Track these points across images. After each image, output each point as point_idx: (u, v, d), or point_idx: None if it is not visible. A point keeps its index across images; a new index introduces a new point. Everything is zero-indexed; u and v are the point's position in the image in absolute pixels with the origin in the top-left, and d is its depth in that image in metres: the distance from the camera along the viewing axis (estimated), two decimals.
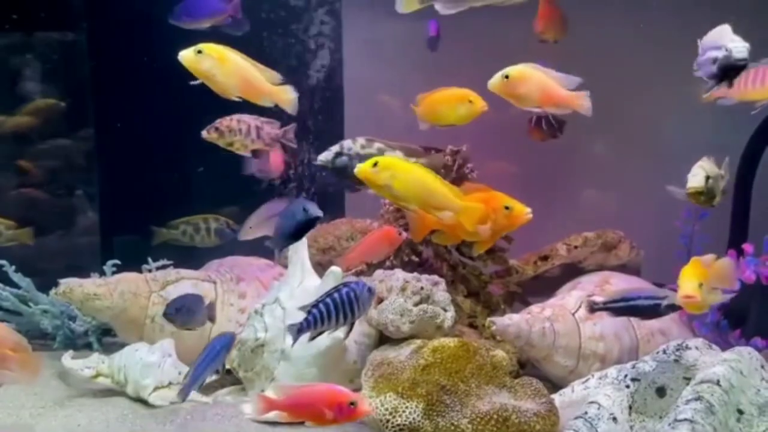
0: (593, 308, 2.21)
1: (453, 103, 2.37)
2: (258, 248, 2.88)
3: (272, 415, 2.18)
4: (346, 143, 2.44)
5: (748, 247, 2.46)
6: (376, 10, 3.26)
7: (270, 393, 2.27)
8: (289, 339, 2.24)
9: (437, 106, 2.40)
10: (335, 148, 2.44)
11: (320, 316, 1.97)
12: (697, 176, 2.18)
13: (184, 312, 2.31)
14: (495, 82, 2.25)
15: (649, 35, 3.11)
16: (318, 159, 2.45)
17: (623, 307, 2.18)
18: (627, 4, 3.11)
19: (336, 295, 1.96)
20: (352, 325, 2.06)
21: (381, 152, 2.41)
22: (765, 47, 2.15)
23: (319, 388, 1.81)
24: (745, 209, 2.96)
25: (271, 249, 2.91)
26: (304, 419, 1.84)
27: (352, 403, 1.71)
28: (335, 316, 1.97)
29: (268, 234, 2.66)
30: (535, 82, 2.25)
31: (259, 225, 2.69)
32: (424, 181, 2.10)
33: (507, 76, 2.24)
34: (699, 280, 1.91)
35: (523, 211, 2.16)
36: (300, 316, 1.98)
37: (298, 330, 1.99)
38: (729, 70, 1.97)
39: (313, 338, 2.04)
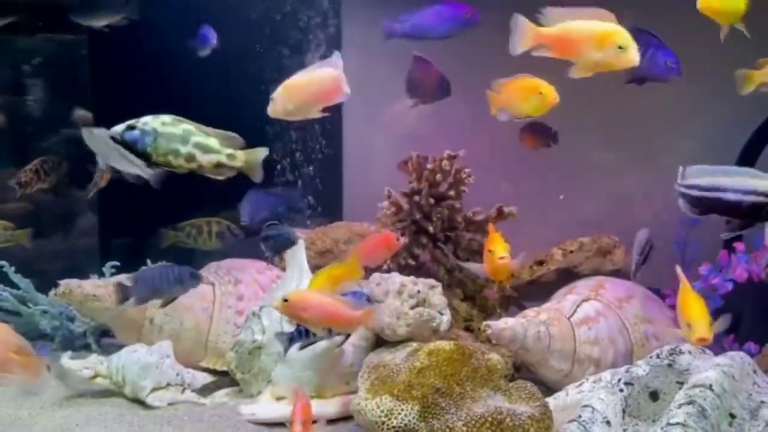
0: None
1: (524, 93, 2.30)
2: (256, 251, 2.90)
3: (271, 416, 2.21)
4: (145, 118, 2.21)
5: (739, 245, 2.46)
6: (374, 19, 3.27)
7: (268, 396, 2.31)
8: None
9: (510, 95, 2.33)
10: (130, 122, 2.20)
11: None
12: None
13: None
14: None
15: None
16: (110, 130, 2.22)
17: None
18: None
19: None
20: (348, 335, 2.10)
21: (188, 134, 2.23)
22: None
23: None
24: None
25: (268, 251, 2.94)
26: None
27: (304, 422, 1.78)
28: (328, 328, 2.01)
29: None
30: None
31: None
32: None
33: None
34: (708, 318, 1.95)
35: (496, 256, 2.24)
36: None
37: (289, 339, 2.02)
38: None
39: (304, 347, 2.08)
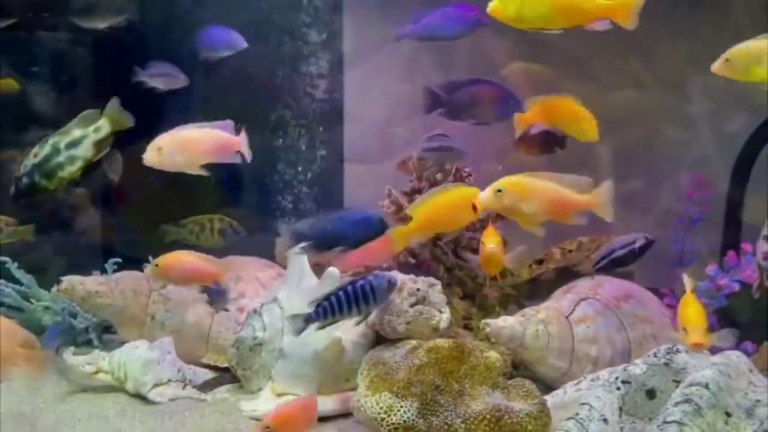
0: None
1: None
2: (257, 248, 2.92)
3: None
4: (24, 163, 2.31)
5: (747, 246, 2.46)
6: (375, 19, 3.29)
7: (269, 392, 2.32)
8: (287, 337, 2.29)
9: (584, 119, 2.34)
10: (14, 176, 2.30)
11: (330, 308, 2.02)
12: None
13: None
14: None
15: (648, 34, 3.13)
16: (10, 194, 2.33)
17: (608, 263, 2.49)
18: None
19: (349, 288, 2.03)
20: (367, 314, 2.11)
21: (56, 144, 2.27)
22: None
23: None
24: (738, 211, 2.99)
25: (270, 249, 2.95)
26: None
27: (267, 427, 1.81)
28: (347, 308, 2.03)
29: None
30: None
31: None
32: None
33: None
34: (705, 323, 1.97)
35: (486, 246, 2.30)
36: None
37: (305, 320, 2.03)
38: None
39: (322, 327, 2.09)
